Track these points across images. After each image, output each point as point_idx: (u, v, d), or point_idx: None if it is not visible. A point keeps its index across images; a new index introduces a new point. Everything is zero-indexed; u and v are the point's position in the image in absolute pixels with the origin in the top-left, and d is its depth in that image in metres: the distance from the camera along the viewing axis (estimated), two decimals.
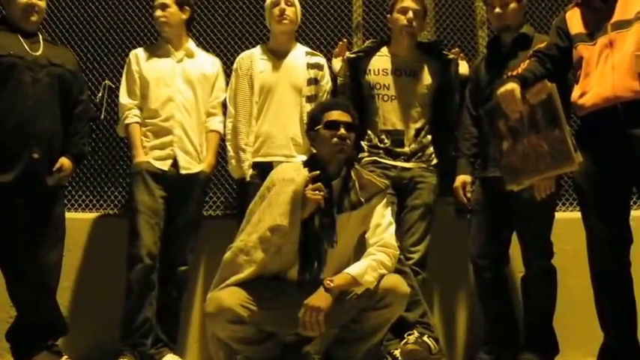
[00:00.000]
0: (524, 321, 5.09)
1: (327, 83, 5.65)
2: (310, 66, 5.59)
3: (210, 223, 5.79)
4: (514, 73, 4.54)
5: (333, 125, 4.37)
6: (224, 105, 5.70)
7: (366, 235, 4.43)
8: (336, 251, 4.33)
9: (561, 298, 4.95)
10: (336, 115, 4.42)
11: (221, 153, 5.73)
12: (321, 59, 5.70)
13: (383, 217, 4.47)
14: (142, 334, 5.17)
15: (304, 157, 4.94)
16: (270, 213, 4.22)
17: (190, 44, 5.75)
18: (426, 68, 5.48)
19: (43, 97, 5.02)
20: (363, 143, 5.38)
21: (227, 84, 5.75)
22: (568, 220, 5.18)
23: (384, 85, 5.41)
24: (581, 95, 4.38)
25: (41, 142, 4.96)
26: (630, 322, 4.35)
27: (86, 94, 5.48)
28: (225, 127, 5.64)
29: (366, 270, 4.18)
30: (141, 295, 5.17)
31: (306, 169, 4.38)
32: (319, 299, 4.02)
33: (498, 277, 5.11)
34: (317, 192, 4.21)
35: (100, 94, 6.03)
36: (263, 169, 5.17)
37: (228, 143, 5.59)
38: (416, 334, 4.95)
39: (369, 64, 5.51)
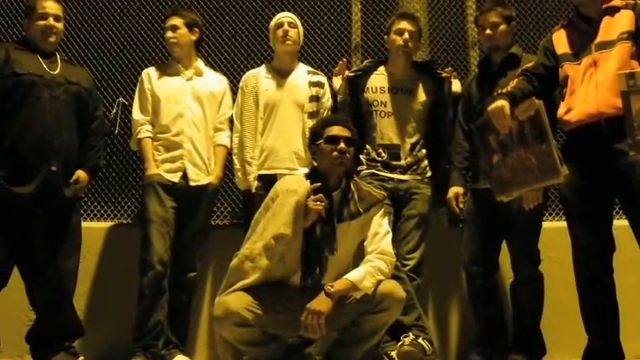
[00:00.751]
0: (513, 324, 5.10)
1: (327, 100, 5.65)
2: (312, 84, 5.60)
3: (218, 231, 5.79)
4: (504, 90, 4.55)
5: (334, 140, 4.37)
6: (231, 121, 5.69)
7: (365, 243, 4.43)
8: (336, 258, 4.34)
9: (548, 302, 4.96)
10: (336, 130, 4.42)
11: (228, 166, 5.71)
12: (322, 78, 5.71)
13: (380, 226, 4.47)
14: (153, 336, 5.17)
15: (306, 170, 4.95)
16: (274, 222, 4.22)
17: (199, 63, 5.74)
18: (420, 86, 5.49)
19: (61, 113, 5.01)
20: (362, 157, 5.39)
21: (234, 101, 5.75)
22: (554, 229, 5.18)
23: (382, 102, 5.42)
24: (567, 112, 4.42)
25: (59, 156, 4.95)
26: (613, 325, 4.38)
27: (101, 111, 5.48)
28: (232, 141, 5.63)
29: (365, 276, 4.18)
30: (152, 299, 5.17)
31: (308, 181, 4.38)
32: (320, 303, 4.02)
33: (489, 283, 5.12)
34: (318, 202, 4.22)
35: (114, 111, 6.03)
36: (267, 181, 5.16)
37: (234, 157, 5.58)
38: (411, 336, 4.96)
39: (367, 82, 5.52)
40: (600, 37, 4.38)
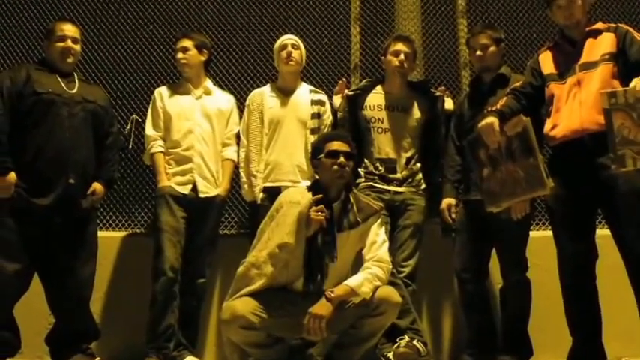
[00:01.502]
0: (502, 327, 5.08)
1: (328, 117, 5.66)
2: (314, 102, 5.61)
3: (226, 240, 5.77)
4: (493, 108, 4.60)
5: (334, 154, 4.39)
6: (238, 136, 5.69)
7: (363, 251, 4.43)
8: (336, 265, 4.35)
9: (535, 306, 4.93)
10: (336, 145, 4.44)
11: (235, 179, 5.70)
12: (323, 96, 5.71)
13: (378, 235, 4.48)
14: (165, 339, 5.18)
15: (308, 183, 4.97)
16: (278, 232, 4.24)
17: (208, 83, 5.76)
18: (415, 104, 5.50)
19: (78, 130, 5.03)
20: (361, 170, 5.38)
21: (240, 118, 5.75)
22: (541, 238, 5.18)
23: (379, 119, 5.43)
24: (553, 128, 4.44)
25: (76, 170, 4.96)
26: (595, 328, 4.41)
27: (116, 127, 5.47)
28: (238, 156, 5.63)
29: (363, 282, 4.20)
30: (164, 304, 5.18)
31: (310, 193, 4.40)
32: (322, 308, 4.04)
33: (479, 289, 5.11)
34: (320, 213, 4.24)
35: (128, 127, 6.02)
36: (272, 193, 5.16)
37: (241, 170, 5.57)
38: (407, 338, 4.96)
39: (365, 100, 5.52)
40: (584, 58, 4.42)
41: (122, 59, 6.57)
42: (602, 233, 4.48)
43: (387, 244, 4.54)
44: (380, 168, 5.35)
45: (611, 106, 3.99)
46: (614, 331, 4.62)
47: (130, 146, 6.07)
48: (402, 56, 5.43)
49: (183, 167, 5.44)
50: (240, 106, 5.86)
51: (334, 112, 5.69)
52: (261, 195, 5.41)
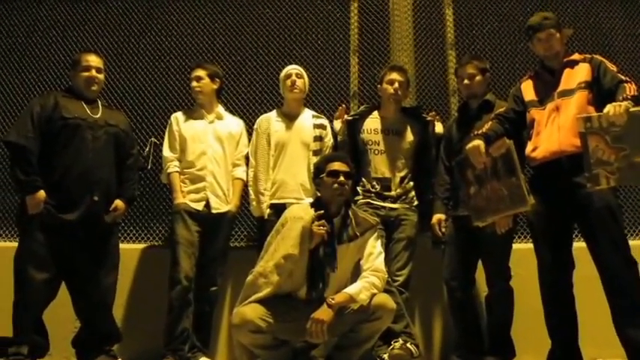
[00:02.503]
0: (487, 330, 5.08)
1: (329, 140, 5.67)
2: (316, 126, 5.63)
3: (236, 252, 5.71)
4: (479, 132, 4.63)
5: (334, 174, 4.42)
6: (246, 157, 5.71)
7: (361, 262, 4.44)
8: (336, 275, 4.36)
9: (517, 312, 4.93)
10: (336, 165, 4.47)
11: (244, 196, 5.69)
12: (324, 121, 5.73)
13: (374, 247, 4.49)
14: (181, 341, 5.18)
15: (311, 200, 4.97)
16: (283, 244, 4.27)
17: (220, 108, 5.78)
18: (408, 128, 5.52)
19: (102, 151, 5.06)
20: (359, 188, 5.37)
21: (249, 140, 5.77)
22: (523, 250, 5.16)
23: (375, 142, 5.45)
24: (534, 150, 4.47)
25: (100, 188, 4.98)
26: (572, 332, 4.42)
27: (136, 149, 5.49)
28: (247, 175, 5.65)
29: (361, 290, 4.21)
30: (180, 310, 5.17)
31: (312, 209, 4.43)
32: (323, 313, 4.05)
33: (466, 296, 5.10)
34: (321, 227, 4.27)
35: (147, 149, 6.01)
36: (278, 209, 5.16)
37: (250, 188, 5.59)
38: (401, 341, 4.97)
39: (363, 124, 5.55)
40: (562, 86, 4.47)
41: (141, 87, 6.58)
42: (579, 246, 4.48)
43: (382, 255, 4.55)
44: (376, 186, 5.37)
45: (586, 130, 4.03)
46: (590, 334, 4.61)
47: (149, 166, 6.07)
48: (396, 84, 5.47)
49: (197, 185, 5.46)
50: (249, 129, 5.87)
51: (335, 135, 5.70)
52: (268, 211, 5.43)
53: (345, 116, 5.68)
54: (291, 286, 4.34)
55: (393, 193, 5.36)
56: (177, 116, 5.71)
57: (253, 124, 5.83)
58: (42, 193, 4.79)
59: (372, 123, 5.56)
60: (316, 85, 6.38)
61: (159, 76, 6.61)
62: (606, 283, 4.22)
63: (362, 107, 5.81)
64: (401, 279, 5.16)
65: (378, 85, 5.65)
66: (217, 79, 5.75)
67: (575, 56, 4.60)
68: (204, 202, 5.43)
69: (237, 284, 5.34)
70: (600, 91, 4.35)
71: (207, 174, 5.49)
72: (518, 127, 4.69)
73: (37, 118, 4.90)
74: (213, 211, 5.43)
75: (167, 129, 5.72)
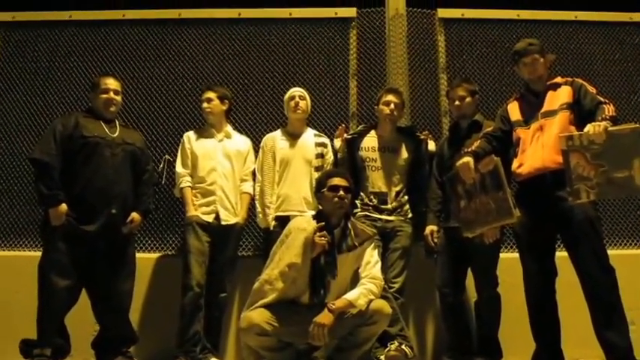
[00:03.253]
0: (476, 333, 5.12)
1: (330, 157, 5.69)
2: (318, 144, 5.66)
3: (243, 261, 5.71)
4: (469, 149, 4.66)
5: (335, 188, 4.45)
6: (253, 173, 5.73)
7: (359, 270, 4.47)
8: (336, 282, 4.38)
9: (504, 316, 4.94)
10: (336, 180, 4.51)
11: (251, 209, 5.70)
12: (325, 139, 5.75)
13: (372, 256, 4.52)
14: (192, 344, 5.17)
15: (313, 212, 4.96)
16: (287, 254, 4.29)
17: (228, 128, 5.80)
18: (403, 146, 5.55)
19: (119, 168, 5.09)
20: (357, 201, 5.40)
21: (256, 157, 5.79)
22: (509, 259, 5.14)
23: (373, 159, 5.47)
24: (519, 166, 4.50)
25: (118, 201, 5.02)
26: (555, 335, 4.44)
27: (151, 165, 5.52)
28: (254, 189, 5.67)
29: (360, 296, 4.24)
30: (192, 314, 5.17)
31: (314, 221, 4.45)
32: (324, 317, 4.08)
33: (457, 301, 5.13)
34: (323, 238, 4.30)
35: (161, 165, 6.01)
36: (282, 221, 5.17)
37: (256, 201, 5.60)
38: (396, 343, 4.97)
39: (361, 142, 5.57)
40: (545, 107, 4.50)
41: (156, 108, 6.57)
42: (561, 255, 4.49)
43: (379, 264, 4.58)
44: (373, 200, 5.39)
45: (568, 148, 4.05)
46: (571, 337, 4.62)
47: (163, 181, 6.07)
48: (392, 105, 5.50)
49: (207, 199, 5.48)
50: (256, 147, 5.88)
51: (335, 152, 5.71)
52: (273, 223, 5.44)
53: (345, 135, 5.70)
54: (295, 292, 4.36)
55: (389, 206, 5.37)
56: (189, 135, 5.74)
57: (259, 143, 5.85)
58: (64, 206, 4.82)
59: (370, 141, 5.58)
60: (318, 106, 6.36)
61: (172, 98, 6.60)
62: (586, 290, 4.23)
63: (360, 127, 5.82)
64: (396, 286, 5.16)
65: (375, 107, 5.66)
66: (226, 101, 5.78)
67: (558, 79, 4.63)
68: (214, 215, 5.44)
69: (244, 291, 5.35)
70: (581, 112, 4.38)
71: (217, 189, 5.50)
72: (505, 145, 4.71)
73: (59, 136, 4.94)
74: (223, 223, 5.44)
75: (180, 147, 5.74)
